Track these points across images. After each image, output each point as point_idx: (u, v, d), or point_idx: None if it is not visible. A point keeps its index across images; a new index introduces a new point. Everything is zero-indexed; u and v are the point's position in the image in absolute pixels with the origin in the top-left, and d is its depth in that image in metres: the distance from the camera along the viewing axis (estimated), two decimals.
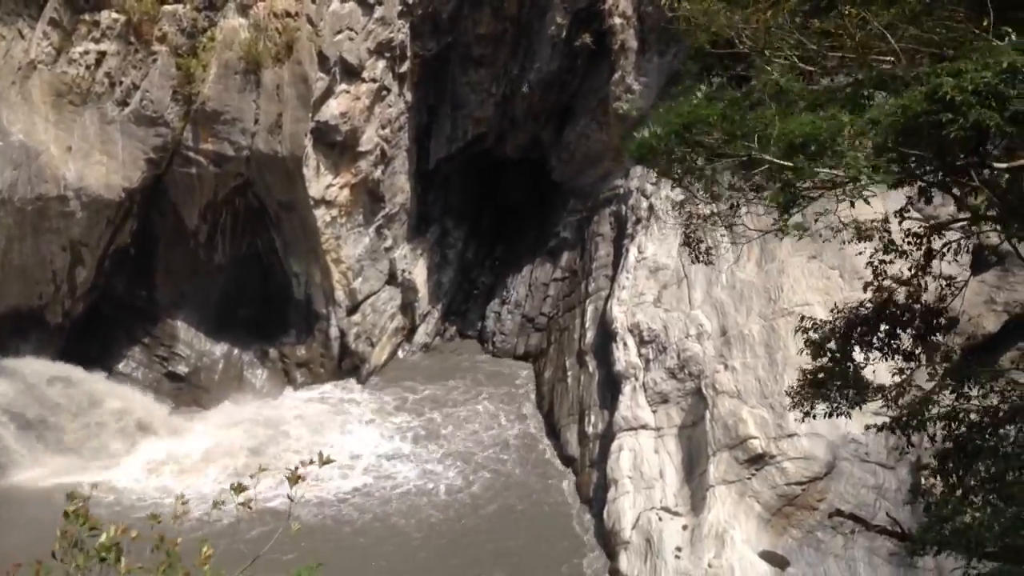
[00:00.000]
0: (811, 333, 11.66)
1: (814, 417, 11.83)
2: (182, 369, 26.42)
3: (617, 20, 28.48)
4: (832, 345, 11.49)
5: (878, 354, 11.40)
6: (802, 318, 11.89)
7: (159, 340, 26.37)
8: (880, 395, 11.28)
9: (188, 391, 26.41)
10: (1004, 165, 8.76)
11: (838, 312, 11.74)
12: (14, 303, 23.64)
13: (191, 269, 26.31)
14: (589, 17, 28.38)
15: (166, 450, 24.41)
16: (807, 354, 11.87)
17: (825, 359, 11.53)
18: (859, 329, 11.38)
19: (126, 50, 23.41)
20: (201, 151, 24.47)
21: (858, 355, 11.56)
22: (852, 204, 8.92)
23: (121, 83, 23.51)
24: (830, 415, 11.63)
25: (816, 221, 10.15)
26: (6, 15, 22.76)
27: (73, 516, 5.10)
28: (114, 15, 23.21)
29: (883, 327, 11.28)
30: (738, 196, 10.27)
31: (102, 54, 23.33)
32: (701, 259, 12.12)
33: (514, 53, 29.09)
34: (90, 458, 23.79)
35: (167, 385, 26.14)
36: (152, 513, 5.71)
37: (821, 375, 11.54)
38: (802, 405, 11.77)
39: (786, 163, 8.73)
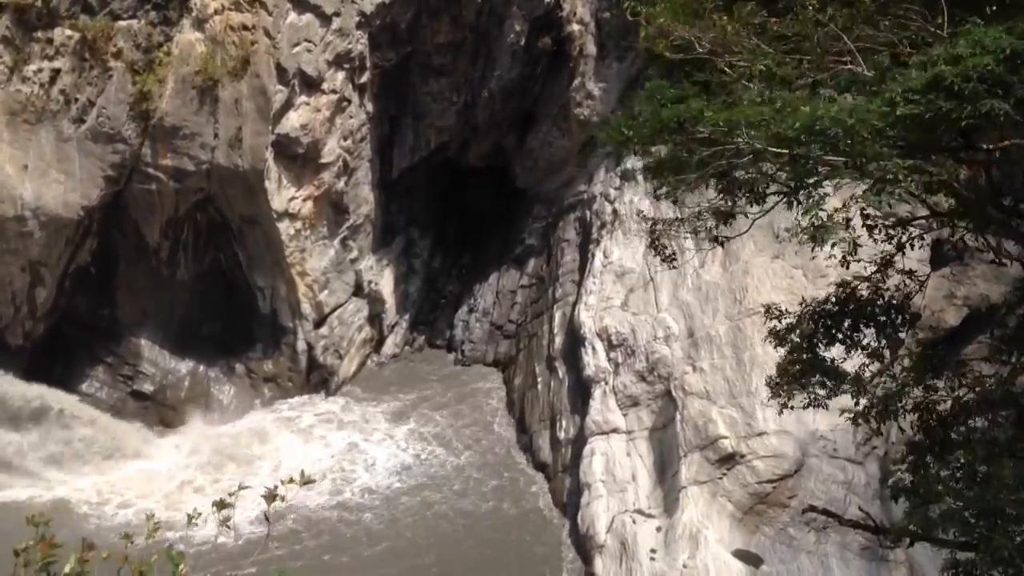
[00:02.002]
0: (776, 323, 11.71)
1: (792, 408, 11.93)
2: (147, 387, 26.04)
3: (575, 26, 28.66)
4: (796, 336, 11.55)
5: (842, 348, 11.51)
6: (768, 308, 11.88)
7: (123, 359, 25.97)
8: (856, 385, 11.36)
9: (154, 409, 26.02)
10: (991, 146, 8.70)
11: (805, 306, 11.81)
12: None
13: (153, 286, 25.96)
14: (548, 24, 28.51)
15: (135, 470, 24.04)
16: (771, 343, 11.93)
17: (795, 352, 11.60)
18: (823, 323, 11.48)
19: (81, 67, 23.09)
20: (160, 167, 24.19)
21: (822, 350, 11.67)
22: (886, 205, 8.61)
23: (77, 100, 23.17)
24: (808, 406, 11.72)
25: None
26: None
27: (34, 543, 4.95)
28: (67, 32, 22.88)
29: (847, 322, 11.40)
30: (727, 198, 10.20)
31: (56, 71, 22.99)
32: (666, 264, 12.20)
33: (474, 61, 29.13)
34: (55, 478, 23.36)
35: (132, 404, 25.74)
36: (125, 533, 5.60)
37: (798, 367, 11.62)
38: (780, 396, 11.86)
39: (796, 151, 8.24)
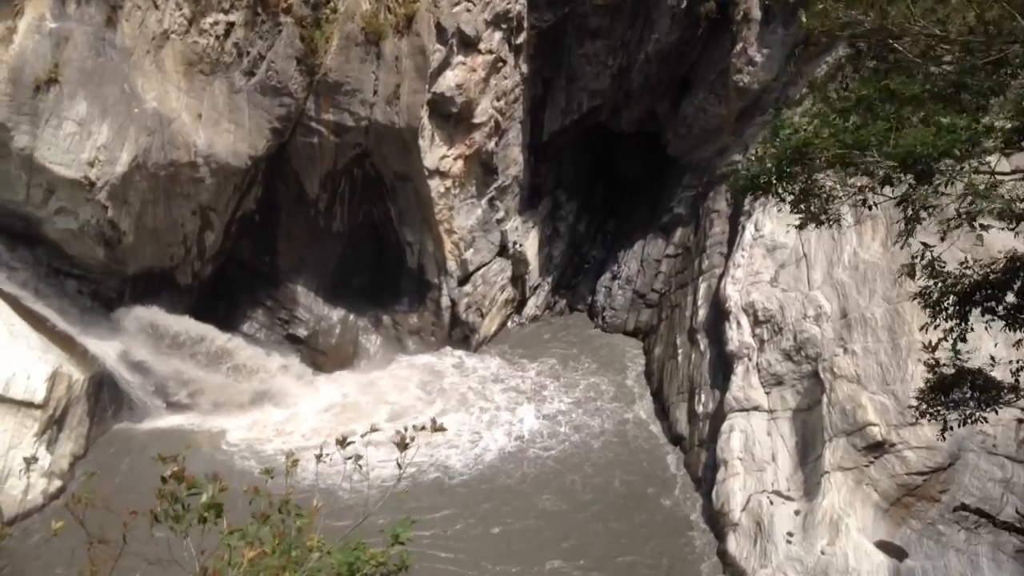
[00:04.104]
0: (930, 282, 10.83)
1: (951, 429, 11.23)
2: (301, 332, 27.28)
3: None
4: (949, 302, 10.72)
5: (1000, 322, 10.64)
6: (922, 255, 10.76)
7: (280, 303, 27.27)
8: (1015, 393, 10.64)
9: (307, 354, 27.27)
10: None
11: (965, 266, 10.94)
12: (148, 264, 24.84)
13: (311, 236, 27.04)
14: None
15: (283, 409, 25.33)
16: (919, 304, 11.11)
17: (940, 319, 10.77)
18: (983, 291, 10.62)
19: (253, 21, 24.05)
20: (322, 121, 25.03)
21: (974, 321, 10.79)
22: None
23: (248, 53, 24.18)
24: (964, 423, 11.02)
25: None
26: None
27: (171, 479, 5.23)
28: None
29: (1011, 296, 10.52)
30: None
31: (231, 24, 24.02)
32: (821, 222, 11.45)
33: (632, 24, 28.61)
34: (210, 412, 24.88)
35: (287, 347, 27.04)
36: (265, 468, 5.87)
37: (947, 380, 10.93)
38: (930, 415, 11.20)
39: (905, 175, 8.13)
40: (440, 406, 25.84)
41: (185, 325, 25.18)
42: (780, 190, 9.95)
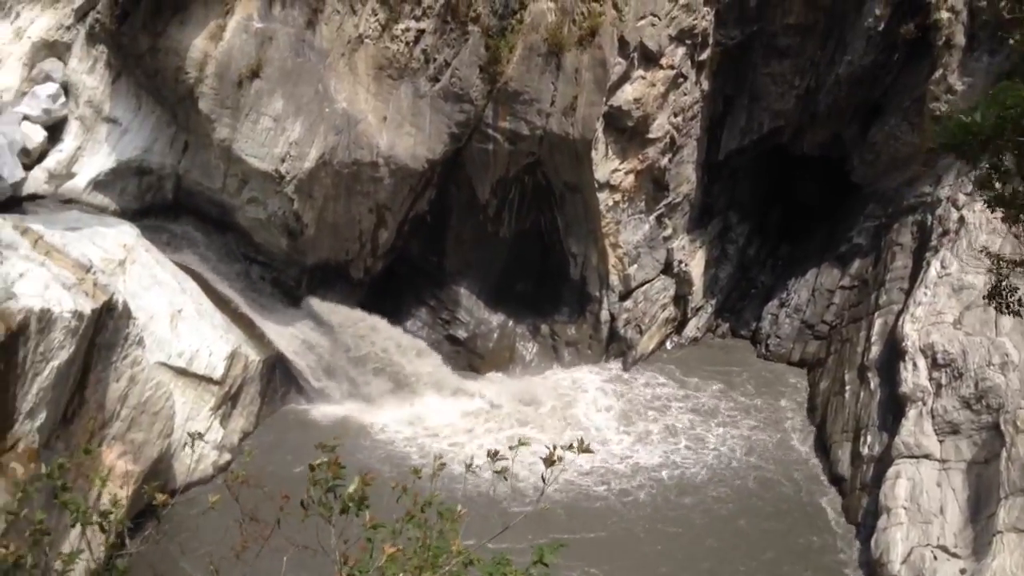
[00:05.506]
0: None
1: None
2: (461, 334, 27.88)
3: (944, 14, 26.05)
4: None
5: None
6: None
7: (444, 304, 27.99)
8: None
9: (464, 355, 27.84)
10: None
11: None
12: (325, 256, 26.12)
13: (478, 240, 27.59)
14: (912, 9, 26.20)
15: (437, 408, 25.92)
16: None
17: None
18: None
19: (442, 28, 24.83)
20: (499, 128, 25.50)
21: None
22: None
23: (435, 60, 24.98)
24: None
25: None
26: None
27: (321, 466, 5.38)
28: None
29: None
30: None
31: (421, 31, 24.91)
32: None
33: (823, 45, 27.54)
34: (370, 403, 25.77)
35: (446, 347, 27.70)
36: (414, 467, 5.97)
37: None
38: None
39: None
40: (591, 421, 25.71)
41: (356, 317, 26.25)
42: (993, 158, 8.99)
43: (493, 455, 5.85)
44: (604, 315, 28.44)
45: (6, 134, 26.67)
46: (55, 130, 28.43)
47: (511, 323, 28.56)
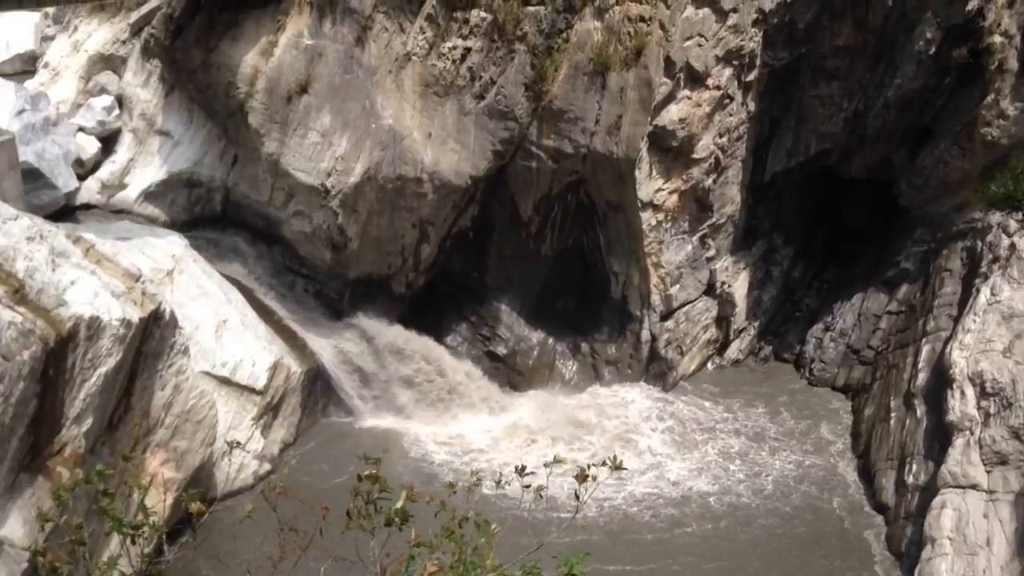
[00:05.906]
0: None
1: None
2: (501, 350, 27.89)
3: (997, 38, 25.68)
4: None
5: None
6: None
7: (484, 320, 28.03)
8: None
9: (504, 372, 27.83)
10: None
11: None
12: (368, 270, 26.35)
13: (520, 257, 27.63)
14: (965, 33, 25.84)
15: (476, 424, 25.94)
16: None
17: None
18: None
19: (489, 47, 25.02)
20: (542, 146, 25.56)
21: None
22: None
23: (481, 78, 25.17)
24: None
25: None
26: (392, 10, 25.26)
27: (366, 479, 5.42)
28: (482, 14, 24.89)
29: None
30: None
31: (467, 50, 25.12)
32: None
33: (873, 67, 27.24)
34: (411, 417, 25.85)
35: (486, 363, 27.72)
36: (450, 482, 5.98)
37: None
38: None
39: None
40: (646, 443, 25.51)
41: (398, 333, 26.41)
42: None
43: (520, 471, 5.84)
44: (645, 335, 28.28)
45: (61, 145, 27.41)
46: (109, 142, 29.19)
47: (551, 340, 28.51)
